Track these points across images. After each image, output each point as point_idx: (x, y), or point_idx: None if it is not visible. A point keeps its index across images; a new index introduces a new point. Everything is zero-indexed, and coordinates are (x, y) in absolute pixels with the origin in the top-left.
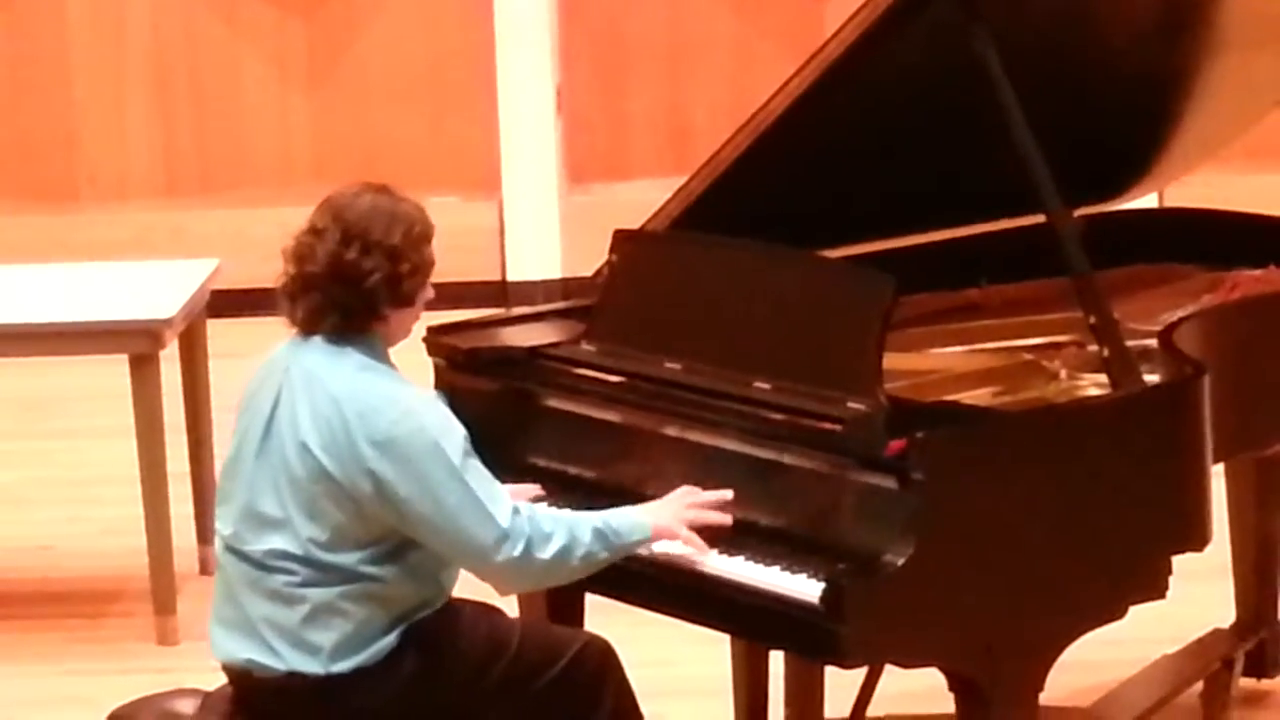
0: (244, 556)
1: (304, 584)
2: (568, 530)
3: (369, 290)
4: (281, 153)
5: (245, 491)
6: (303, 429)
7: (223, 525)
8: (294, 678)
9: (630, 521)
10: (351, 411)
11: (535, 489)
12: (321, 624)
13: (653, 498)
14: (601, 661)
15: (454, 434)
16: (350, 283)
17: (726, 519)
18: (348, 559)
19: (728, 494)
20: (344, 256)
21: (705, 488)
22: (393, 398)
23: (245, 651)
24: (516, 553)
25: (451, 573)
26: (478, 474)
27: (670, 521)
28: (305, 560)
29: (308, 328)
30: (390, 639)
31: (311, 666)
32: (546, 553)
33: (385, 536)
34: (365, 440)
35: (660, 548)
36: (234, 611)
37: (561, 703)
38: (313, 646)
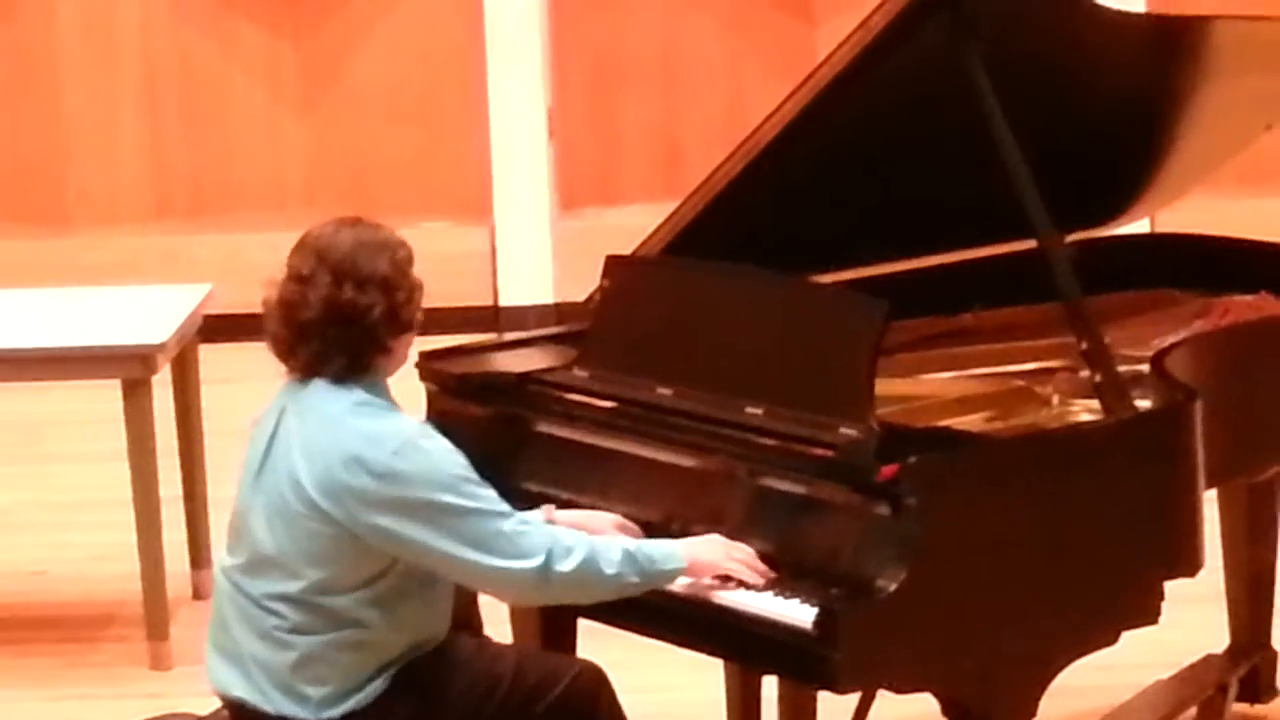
0: (241, 590)
1: (294, 630)
2: (589, 546)
3: (371, 326)
4: (273, 176)
5: (244, 529)
6: (299, 470)
7: (225, 555)
8: None
9: (663, 549)
10: (351, 449)
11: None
12: (310, 674)
13: (645, 523)
14: (595, 689)
15: (456, 459)
16: (350, 322)
17: (770, 572)
18: (340, 601)
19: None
20: (339, 298)
21: (697, 513)
22: (391, 430)
23: (237, 689)
24: (534, 565)
25: (443, 618)
26: (485, 497)
27: (714, 559)
28: (298, 603)
29: (309, 374)
30: (379, 683)
31: (300, 713)
32: (567, 565)
33: (382, 575)
34: (367, 475)
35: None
36: (227, 640)
37: None
38: (302, 695)
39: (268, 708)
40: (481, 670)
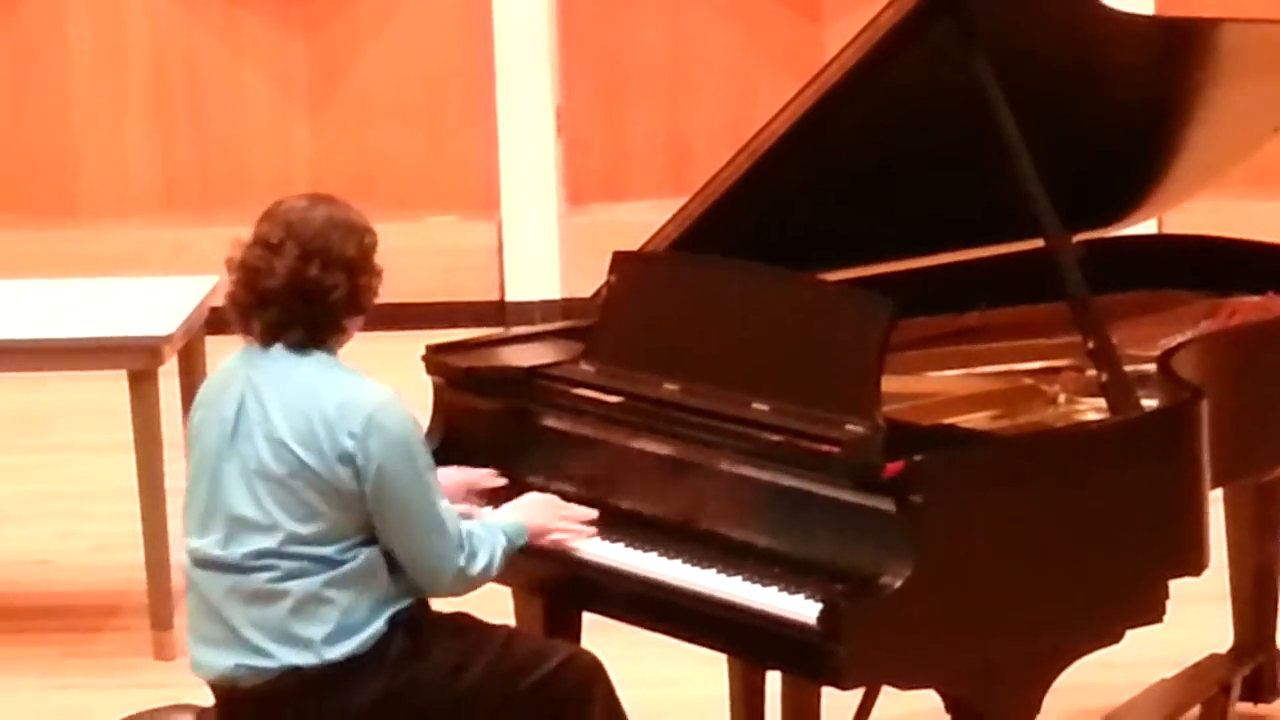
0: (219, 565)
1: (286, 577)
2: (489, 548)
3: (332, 305)
4: (280, 171)
5: (216, 500)
6: (278, 428)
7: (192, 541)
8: (288, 676)
9: (515, 527)
10: (329, 405)
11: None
12: (309, 615)
13: (651, 518)
14: (590, 675)
15: (419, 433)
16: (313, 299)
17: (593, 513)
18: (327, 550)
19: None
20: (305, 273)
21: (703, 508)
22: (365, 392)
23: (234, 659)
24: (459, 563)
25: None
26: (435, 479)
27: (545, 520)
28: (287, 555)
29: (267, 339)
30: (379, 625)
31: (306, 658)
32: (476, 568)
33: (367, 524)
34: (344, 432)
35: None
36: (214, 627)
37: (547, 710)
38: (303, 640)
39: (269, 664)
40: (472, 628)
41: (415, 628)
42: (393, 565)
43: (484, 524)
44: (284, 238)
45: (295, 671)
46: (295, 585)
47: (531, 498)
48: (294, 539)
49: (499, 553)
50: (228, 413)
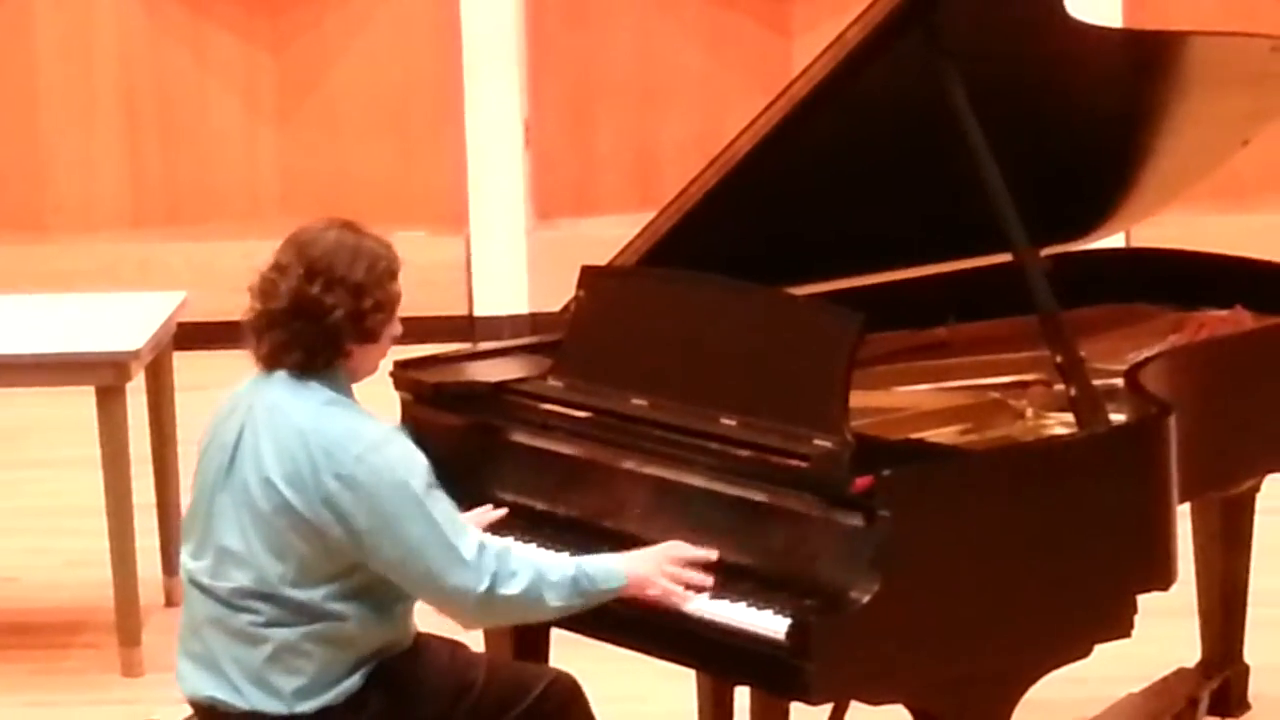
0: (209, 592)
1: (268, 624)
2: (534, 569)
3: (331, 326)
4: (249, 186)
5: (209, 528)
6: (267, 464)
7: (187, 559)
8: (257, 715)
9: (605, 568)
10: (316, 445)
11: (496, 512)
12: (284, 666)
13: (619, 533)
14: (568, 698)
15: (418, 468)
16: (313, 319)
17: (708, 579)
18: (313, 595)
19: (713, 554)
20: (307, 293)
21: (671, 523)
22: (357, 432)
23: (209, 688)
24: (481, 588)
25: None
26: (442, 508)
27: (649, 573)
28: (270, 598)
29: (271, 364)
30: (354, 680)
31: (275, 707)
32: (512, 589)
33: (350, 571)
34: (330, 474)
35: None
36: (199, 646)
37: None
38: (274, 689)
39: (241, 704)
40: (453, 675)
41: (393, 680)
42: (382, 614)
43: (558, 557)
44: (291, 259)
45: (262, 716)
46: (275, 633)
47: (656, 547)
48: (278, 581)
49: (553, 581)
50: (228, 440)
